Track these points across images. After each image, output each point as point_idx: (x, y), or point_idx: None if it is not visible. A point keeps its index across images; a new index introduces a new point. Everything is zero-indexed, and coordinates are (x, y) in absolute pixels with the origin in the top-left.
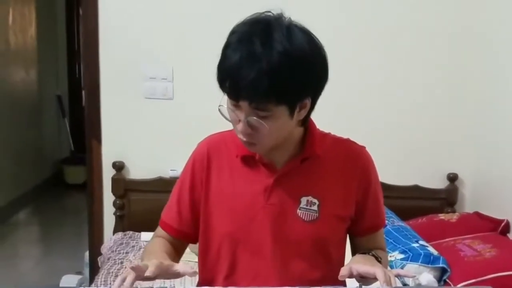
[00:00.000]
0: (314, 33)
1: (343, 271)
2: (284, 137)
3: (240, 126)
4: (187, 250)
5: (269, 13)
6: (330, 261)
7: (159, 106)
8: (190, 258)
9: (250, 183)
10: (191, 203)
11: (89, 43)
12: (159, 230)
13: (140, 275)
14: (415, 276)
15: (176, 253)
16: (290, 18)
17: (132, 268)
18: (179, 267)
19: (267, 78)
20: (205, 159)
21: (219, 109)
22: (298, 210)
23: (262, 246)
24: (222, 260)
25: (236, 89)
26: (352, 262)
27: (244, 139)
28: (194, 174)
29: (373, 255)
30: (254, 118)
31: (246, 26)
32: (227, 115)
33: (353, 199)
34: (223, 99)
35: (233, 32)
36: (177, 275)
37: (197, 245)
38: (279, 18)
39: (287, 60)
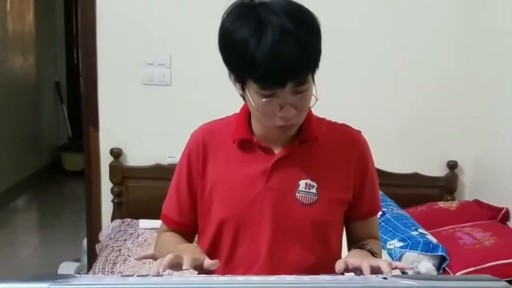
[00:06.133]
0: None
1: (340, 263)
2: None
3: (286, 112)
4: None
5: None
6: (328, 245)
7: (157, 93)
8: None
9: (248, 167)
10: (189, 194)
11: (87, 29)
12: (163, 225)
13: (176, 266)
14: (412, 268)
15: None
16: None
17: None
18: (205, 263)
19: (307, 51)
20: (201, 148)
21: (262, 104)
22: (296, 193)
23: (262, 230)
24: (222, 245)
25: (282, 74)
26: (348, 256)
27: (288, 124)
28: (190, 165)
29: (369, 251)
30: (299, 95)
31: (246, 14)
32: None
33: (351, 183)
34: (253, 97)
35: (234, 22)
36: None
37: None
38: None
39: (308, 26)
